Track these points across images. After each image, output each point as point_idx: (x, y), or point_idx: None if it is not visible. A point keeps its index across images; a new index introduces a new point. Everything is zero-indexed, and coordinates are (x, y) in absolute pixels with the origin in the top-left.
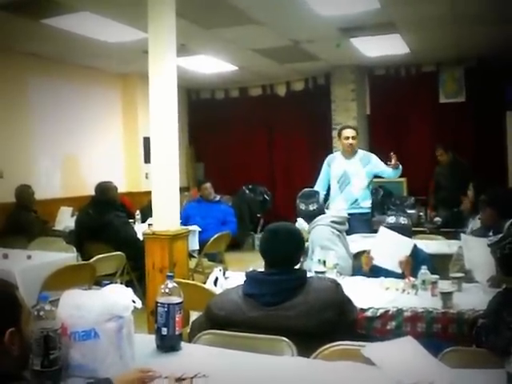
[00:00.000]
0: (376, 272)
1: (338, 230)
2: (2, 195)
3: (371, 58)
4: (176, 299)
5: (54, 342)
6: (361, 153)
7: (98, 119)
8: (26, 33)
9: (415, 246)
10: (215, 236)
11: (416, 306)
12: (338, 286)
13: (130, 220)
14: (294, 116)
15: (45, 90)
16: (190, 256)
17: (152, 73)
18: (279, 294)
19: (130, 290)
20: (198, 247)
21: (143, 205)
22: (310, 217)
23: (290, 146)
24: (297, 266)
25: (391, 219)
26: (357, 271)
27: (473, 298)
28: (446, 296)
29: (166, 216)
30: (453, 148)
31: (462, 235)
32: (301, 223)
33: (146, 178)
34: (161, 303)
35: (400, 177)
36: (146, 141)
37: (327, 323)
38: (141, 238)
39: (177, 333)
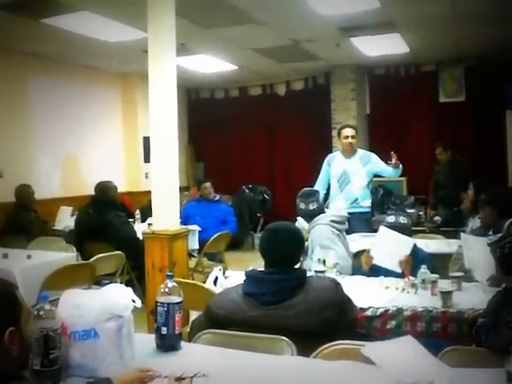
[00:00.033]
0: (376, 271)
1: (338, 230)
2: (2, 195)
3: (371, 57)
4: (176, 299)
5: (54, 341)
6: (361, 152)
7: (98, 119)
8: (26, 32)
9: (415, 245)
10: (215, 235)
11: (416, 305)
12: (337, 285)
13: (130, 219)
14: (294, 115)
15: (45, 90)
16: (190, 255)
17: (152, 72)
18: (279, 294)
19: (129, 289)
20: (197, 247)
21: (143, 204)
22: (309, 216)
23: (290, 146)
24: (297, 266)
25: (391, 218)
26: (357, 270)
27: (472, 298)
28: (446, 295)
29: (165, 215)
30: (453, 147)
31: (462, 234)
32: (301, 222)
33: (146, 177)
34: (160, 303)
35: (400, 176)
36: (146, 140)
37: (327, 322)
38: (140, 237)
39: (176, 332)
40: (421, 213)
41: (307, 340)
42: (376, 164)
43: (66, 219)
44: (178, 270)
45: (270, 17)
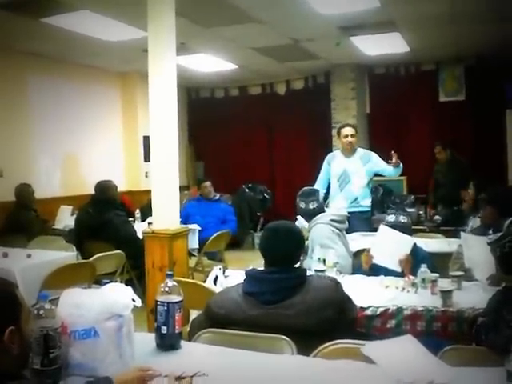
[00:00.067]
0: (376, 270)
1: (338, 229)
2: (2, 194)
3: (371, 56)
4: (176, 298)
5: (54, 340)
6: (361, 151)
7: (98, 118)
8: (26, 32)
9: (415, 244)
10: (215, 235)
11: (416, 304)
12: (337, 284)
13: (130, 219)
14: (294, 115)
15: (45, 89)
16: (190, 255)
17: (152, 72)
18: (279, 293)
19: (129, 288)
20: (197, 246)
21: (143, 203)
22: (309, 215)
23: (290, 145)
24: (297, 265)
25: (391, 218)
26: (357, 270)
27: (472, 297)
28: (446, 294)
29: (165, 215)
30: (452, 146)
31: (462, 233)
32: (301, 221)
33: (146, 176)
34: (160, 302)
35: (400, 175)
36: (146, 139)
37: (327, 322)
38: (140, 236)
39: (176, 331)
40: (421, 212)
41: (307, 339)
42: (376, 163)
43: (65, 218)
44: (178, 270)
45: (270, 16)
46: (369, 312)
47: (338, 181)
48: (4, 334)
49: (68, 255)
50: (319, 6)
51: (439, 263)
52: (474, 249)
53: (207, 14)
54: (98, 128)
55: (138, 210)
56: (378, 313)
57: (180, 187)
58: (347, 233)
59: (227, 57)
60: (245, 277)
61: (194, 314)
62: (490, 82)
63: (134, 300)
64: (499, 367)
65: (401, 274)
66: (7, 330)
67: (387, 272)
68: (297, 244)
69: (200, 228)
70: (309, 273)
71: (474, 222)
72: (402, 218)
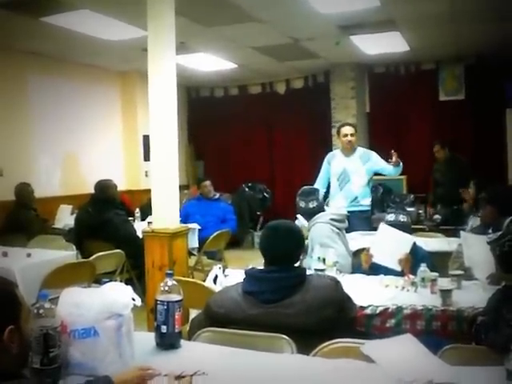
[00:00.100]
0: (375, 269)
1: (338, 228)
2: (2, 193)
3: (371, 55)
4: (175, 297)
5: (54, 340)
6: (361, 150)
7: (98, 117)
8: (26, 31)
9: (414, 243)
10: (215, 234)
11: (415, 303)
12: (337, 283)
13: (130, 218)
14: (294, 114)
15: (45, 89)
16: (190, 254)
17: (151, 71)
18: (279, 292)
19: (129, 287)
20: (197, 245)
21: (143, 203)
22: (309, 214)
23: (290, 144)
24: (296, 264)
25: (391, 217)
26: (356, 269)
27: (472, 296)
28: (446, 293)
29: (165, 214)
30: (452, 145)
31: (462, 233)
32: (301, 221)
33: (146, 176)
34: (160, 301)
35: (400, 174)
36: (146, 139)
37: (327, 321)
38: (140, 236)
39: (176, 330)
40: (420, 211)
41: (307, 338)
42: (376, 162)
43: (65, 217)
44: (178, 269)
45: (270, 15)
46: (368, 311)
47: (337, 180)
48: (4, 333)
49: (68, 254)
50: (319, 5)
51: (439, 262)
52: (474, 248)
53: (207, 13)
54: (97, 127)
55: (137, 210)
56: (377, 312)
57: (180, 186)
58: (347, 232)
59: (227, 56)
60: (244, 276)
61: (193, 313)
62: (490, 81)
63: (133, 299)
64: (499, 366)
65: (400, 273)
66: (7, 329)
67: (387, 271)
68: (297, 243)
69: (200, 227)
70: (308, 272)
71: (474, 221)
72: (402, 217)
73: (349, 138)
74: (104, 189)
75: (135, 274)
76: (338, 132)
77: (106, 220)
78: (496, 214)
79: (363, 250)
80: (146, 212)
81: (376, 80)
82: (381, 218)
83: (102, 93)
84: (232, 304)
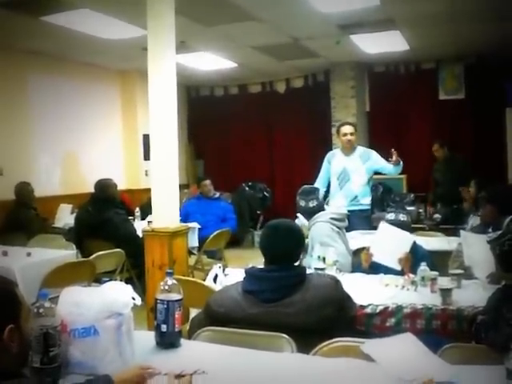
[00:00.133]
0: (375, 268)
1: (338, 227)
2: (2, 192)
3: (371, 54)
4: (175, 296)
5: (54, 339)
6: (360, 149)
7: (98, 116)
8: (26, 30)
9: (414, 242)
10: (215, 233)
11: (415, 302)
12: (337, 282)
13: (130, 217)
14: (294, 113)
15: (45, 88)
16: (190, 253)
17: (151, 70)
18: (279, 291)
19: (129, 287)
20: (197, 244)
21: (143, 202)
22: (309, 213)
23: (290, 143)
24: (296, 263)
25: (391, 216)
26: (356, 268)
27: (472, 295)
28: (446, 292)
29: (165, 213)
30: (451, 144)
31: (462, 232)
32: (301, 220)
33: (146, 175)
34: (160, 300)
35: (400, 173)
36: (146, 138)
37: (326, 320)
38: (140, 235)
39: (176, 330)
40: (420, 210)
41: (307, 337)
42: (376, 161)
43: (65, 217)
44: (178, 268)
45: (270, 14)
46: (368, 310)
47: (337, 179)
48: (3, 333)
49: (68, 253)
50: (319, 5)
51: (439, 261)
52: (474, 247)
53: (207, 12)
54: (97, 126)
55: (137, 209)
56: (377, 311)
57: (180, 185)
58: (347, 231)
59: (227, 55)
60: (244, 275)
61: (193, 312)
62: (490, 80)
63: (133, 298)
64: (499, 365)
65: (400, 272)
66: (7, 329)
67: (387, 270)
68: (297, 242)
69: (200, 226)
70: (308, 271)
71: (475, 220)
72: (402, 217)
73: (348, 137)
74: (104, 188)
75: (135, 273)
76: (338, 131)
77: (106, 219)
78: (496, 213)
79: (363, 249)
80: (146, 211)
81: (376, 79)
82: (381, 217)
83: (101, 92)
84: (232, 303)
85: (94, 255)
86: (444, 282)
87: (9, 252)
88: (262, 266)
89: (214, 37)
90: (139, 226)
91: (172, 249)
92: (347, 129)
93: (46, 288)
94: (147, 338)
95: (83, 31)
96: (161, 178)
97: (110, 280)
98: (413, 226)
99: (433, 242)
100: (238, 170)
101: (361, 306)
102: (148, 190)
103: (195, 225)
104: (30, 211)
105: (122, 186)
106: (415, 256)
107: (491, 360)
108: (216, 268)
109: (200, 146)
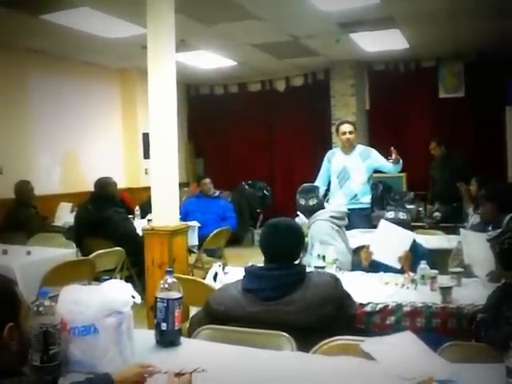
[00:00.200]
0: (375, 267)
1: (338, 225)
2: (2, 191)
3: (370, 53)
4: (175, 294)
5: (54, 337)
6: (360, 148)
7: (98, 115)
8: (26, 29)
9: (414, 240)
10: (215, 231)
11: (415, 300)
12: (337, 280)
13: (130, 216)
14: (294, 111)
15: (45, 87)
16: (190, 251)
17: (151, 69)
18: (278, 289)
19: (129, 285)
20: (197, 243)
21: (142, 200)
22: (309, 212)
23: (290, 142)
24: (296, 261)
25: (390, 214)
26: (356, 266)
27: (472, 293)
28: (446, 291)
29: (165, 212)
30: (452, 143)
31: (462, 230)
32: (301, 218)
33: (146, 173)
34: (160, 298)
35: (399, 172)
36: (146, 137)
37: (326, 318)
38: (140, 233)
39: (176, 328)
40: (420, 208)
41: (307, 335)
42: (376, 159)
43: (65, 215)
44: (178, 266)
45: (270, 13)
46: (368, 308)
47: (337, 178)
48: (3, 331)
49: (67, 252)
50: (319, 3)
51: (439, 260)
52: (474, 245)
53: (207, 10)
54: (97, 125)
55: (137, 207)
56: (377, 309)
57: (180, 184)
58: (347, 229)
59: (227, 53)
60: (244, 273)
61: (193, 310)
62: (490, 78)
63: (133, 297)
64: (499, 363)
65: (400, 271)
66: (6, 327)
67: (387, 268)
68: (297, 241)
69: (200, 225)
70: (308, 269)
71: (475, 218)
72: (402, 215)
73: (347, 135)
74: (104, 186)
75: (135, 272)
76: (337, 130)
77: (106, 218)
78: (496, 212)
79: (363, 247)
80: (146, 210)
81: (376, 77)
82: (381, 215)
83: (101, 90)
84: (232, 301)
85: (93, 254)
86: (444, 280)
87: (9, 250)
88: (261, 265)
89: (214, 35)
90: (139, 225)
91: (172, 247)
92: (346, 127)
93: (46, 286)
94: (147, 336)
95: (83, 30)
96: (161, 177)
97: (110, 278)
98: (413, 224)
99: (433, 241)
100: (237, 169)
101: (361, 304)
102: (148, 189)
103: (195, 223)
104: (30, 210)
105: (121, 184)
106: (415, 254)
107: (491, 358)
108: (216, 266)
109: (200, 145)
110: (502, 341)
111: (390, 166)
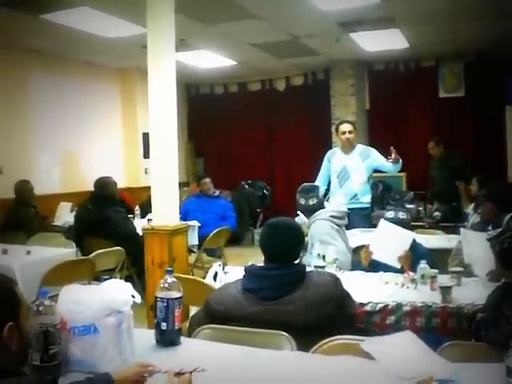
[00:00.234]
0: (375, 266)
1: (338, 225)
2: (2, 191)
3: (370, 52)
4: (175, 294)
5: (54, 337)
6: (360, 147)
7: (98, 115)
8: (26, 29)
9: (414, 240)
10: (214, 231)
11: (415, 300)
12: (337, 280)
13: (130, 215)
14: (294, 111)
15: (45, 86)
16: (190, 251)
17: (151, 69)
18: (278, 289)
19: (129, 285)
20: (197, 242)
21: (142, 200)
22: (309, 211)
23: (290, 141)
24: (296, 261)
25: (390, 214)
26: (356, 266)
27: (472, 292)
28: (446, 290)
29: (165, 211)
30: (452, 142)
31: (462, 229)
32: (302, 218)
33: (146, 173)
34: (160, 298)
35: (399, 171)
36: (146, 136)
37: (326, 318)
38: (140, 233)
39: (176, 327)
40: (420, 208)
41: (307, 335)
42: (376, 159)
43: (65, 215)
44: (178, 266)
45: (270, 12)
46: (368, 308)
47: (337, 177)
48: (3, 330)
49: (67, 252)
50: (319, 2)
51: (439, 259)
52: (474, 245)
53: (207, 10)
54: (97, 125)
55: (137, 207)
56: (377, 309)
57: (179, 184)
58: (347, 229)
59: (227, 53)
60: (244, 273)
61: (193, 310)
62: (490, 78)
63: (133, 296)
64: (499, 363)
65: (400, 270)
66: (6, 326)
67: (386, 268)
68: (297, 240)
69: (199, 224)
70: (308, 269)
71: (475, 217)
72: (402, 215)
73: (347, 135)
74: (104, 186)
75: (135, 272)
76: (337, 129)
77: (106, 217)
78: (496, 211)
79: (363, 246)
80: (146, 209)
81: (376, 77)
82: (380, 215)
83: (101, 90)
84: (232, 301)
85: (93, 253)
86: (444, 279)
87: (9, 250)
88: (261, 264)
89: (214, 35)
90: (139, 224)
91: (172, 247)
92: (346, 127)
93: (46, 286)
94: (147, 335)
95: (83, 29)
96: (160, 176)
97: (110, 278)
98: (412, 223)
99: (432, 240)
100: (237, 168)
101: (360, 303)
102: (148, 188)
103: (195, 223)
104: (30, 209)
105: (121, 184)
106: (415, 254)
107: (491, 358)
108: (216, 266)
109: (200, 144)
110: (502, 340)
111: (389, 166)
